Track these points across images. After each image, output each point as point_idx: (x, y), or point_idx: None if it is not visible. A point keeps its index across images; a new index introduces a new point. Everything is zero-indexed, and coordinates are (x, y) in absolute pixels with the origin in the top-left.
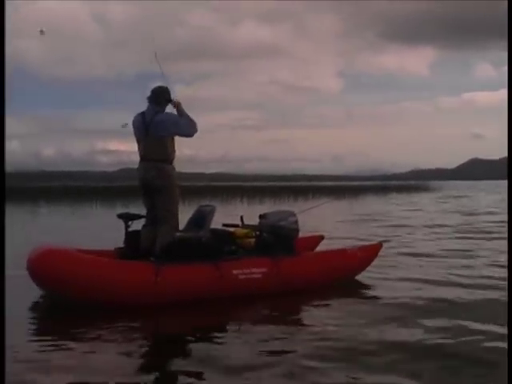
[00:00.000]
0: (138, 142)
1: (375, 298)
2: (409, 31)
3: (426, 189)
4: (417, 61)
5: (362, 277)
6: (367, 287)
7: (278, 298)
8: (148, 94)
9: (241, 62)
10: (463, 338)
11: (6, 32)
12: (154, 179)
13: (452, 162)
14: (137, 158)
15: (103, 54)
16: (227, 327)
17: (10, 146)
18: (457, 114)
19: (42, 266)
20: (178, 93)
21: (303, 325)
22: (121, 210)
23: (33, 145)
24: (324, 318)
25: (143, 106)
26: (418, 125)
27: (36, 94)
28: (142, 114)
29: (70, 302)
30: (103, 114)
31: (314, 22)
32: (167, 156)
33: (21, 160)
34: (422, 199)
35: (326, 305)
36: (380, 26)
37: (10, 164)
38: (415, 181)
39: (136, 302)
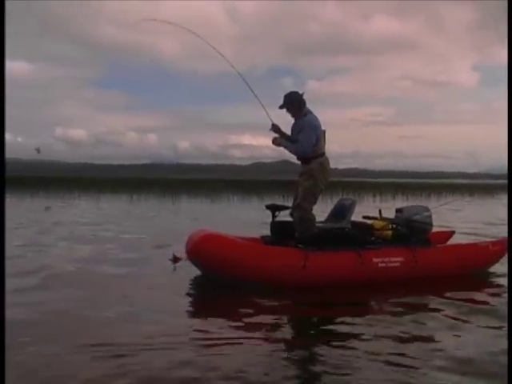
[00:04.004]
0: (320, 139)
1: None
2: None
3: None
4: None
5: (493, 269)
6: (497, 278)
7: (417, 287)
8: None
9: (373, 56)
10: None
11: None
12: None
13: None
14: (269, 152)
15: (236, 48)
16: (365, 314)
17: (148, 139)
18: None
19: (202, 249)
20: (310, 88)
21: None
22: (257, 202)
23: (170, 138)
24: (456, 314)
25: (275, 100)
26: None
27: (172, 89)
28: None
29: (226, 282)
30: (236, 108)
31: (446, 14)
32: None
33: (158, 153)
34: None
35: (463, 297)
36: None
37: (148, 157)
38: None
39: (286, 283)
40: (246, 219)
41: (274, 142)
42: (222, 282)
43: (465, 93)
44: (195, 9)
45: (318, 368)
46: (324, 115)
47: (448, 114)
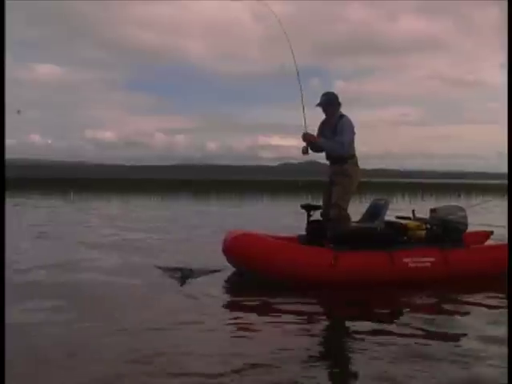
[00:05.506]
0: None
1: None
2: None
3: None
4: None
5: None
6: None
7: (445, 288)
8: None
9: (400, 56)
10: None
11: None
12: None
13: None
14: (297, 153)
15: (262, 49)
16: (393, 313)
17: (176, 140)
18: None
19: (238, 248)
20: (338, 88)
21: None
22: (284, 203)
23: (198, 139)
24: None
25: (306, 101)
26: None
27: (200, 90)
28: None
29: (259, 279)
30: (265, 109)
31: (475, 13)
32: None
33: (186, 154)
34: None
35: (491, 299)
36: None
37: (177, 158)
38: None
39: (315, 282)
40: (278, 219)
41: (310, 144)
42: (256, 279)
43: (494, 92)
44: (222, 10)
45: (344, 363)
46: (352, 116)
47: (477, 114)
